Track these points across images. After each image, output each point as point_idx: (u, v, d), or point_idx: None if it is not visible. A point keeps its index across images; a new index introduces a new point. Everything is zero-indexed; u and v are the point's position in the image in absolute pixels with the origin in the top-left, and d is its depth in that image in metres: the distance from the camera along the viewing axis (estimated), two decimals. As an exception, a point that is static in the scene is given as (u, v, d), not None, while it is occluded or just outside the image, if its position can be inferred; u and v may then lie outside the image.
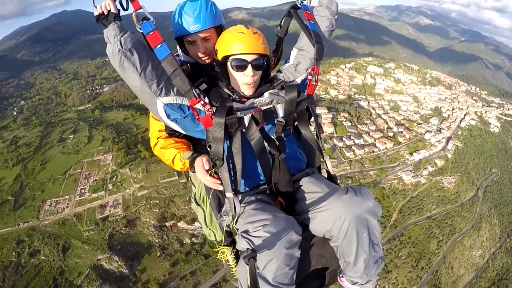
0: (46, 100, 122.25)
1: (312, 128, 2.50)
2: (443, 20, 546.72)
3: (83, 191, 60.87)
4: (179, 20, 2.51)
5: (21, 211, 56.68)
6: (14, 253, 48.49)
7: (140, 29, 2.01)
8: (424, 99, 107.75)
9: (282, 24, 2.80)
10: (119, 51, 1.89)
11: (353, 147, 79.49)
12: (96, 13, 1.98)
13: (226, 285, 47.60)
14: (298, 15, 2.65)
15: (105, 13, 1.96)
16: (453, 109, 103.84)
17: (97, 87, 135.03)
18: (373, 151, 79.95)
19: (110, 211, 56.46)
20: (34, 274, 46.13)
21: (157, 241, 52.82)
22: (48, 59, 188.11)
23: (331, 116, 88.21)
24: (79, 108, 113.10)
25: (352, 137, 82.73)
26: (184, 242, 53.60)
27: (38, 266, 47.33)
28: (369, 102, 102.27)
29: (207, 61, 2.64)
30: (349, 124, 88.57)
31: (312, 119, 2.50)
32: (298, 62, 2.58)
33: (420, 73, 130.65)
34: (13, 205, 57.85)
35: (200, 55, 2.61)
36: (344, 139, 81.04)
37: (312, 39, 2.45)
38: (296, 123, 2.49)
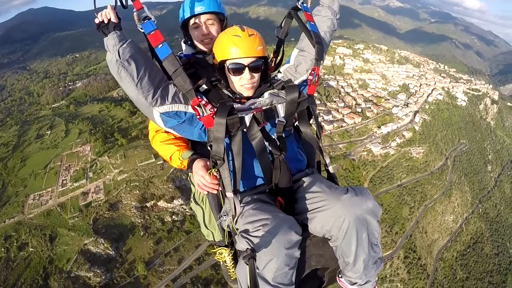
0: (19, 101, 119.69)
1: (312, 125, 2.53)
2: (413, 2, 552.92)
3: (64, 182, 60.72)
4: (188, 3, 2.64)
5: (6, 208, 56.10)
6: (2, 249, 48.20)
7: (141, 28, 2.03)
8: (392, 76, 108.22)
9: (282, 25, 2.78)
10: (117, 61, 1.92)
11: (322, 123, 78.80)
12: (96, 21, 2.01)
13: (209, 259, 48.79)
14: (298, 16, 2.64)
15: (105, 21, 1.99)
16: (420, 85, 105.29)
17: (69, 83, 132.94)
18: (341, 126, 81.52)
19: (92, 197, 56.63)
20: (24, 266, 46.26)
21: (139, 221, 53.41)
22: (17, 59, 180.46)
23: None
24: (53, 105, 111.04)
25: (321, 113, 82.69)
26: (165, 220, 54.52)
27: (27, 258, 47.33)
28: (338, 81, 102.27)
29: (207, 46, 2.69)
30: (318, 102, 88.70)
31: (313, 118, 2.50)
32: (298, 63, 2.58)
33: (389, 53, 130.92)
34: (-3, 203, 57.28)
35: (202, 37, 2.68)
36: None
37: (312, 39, 2.46)
38: (296, 122, 2.50)
